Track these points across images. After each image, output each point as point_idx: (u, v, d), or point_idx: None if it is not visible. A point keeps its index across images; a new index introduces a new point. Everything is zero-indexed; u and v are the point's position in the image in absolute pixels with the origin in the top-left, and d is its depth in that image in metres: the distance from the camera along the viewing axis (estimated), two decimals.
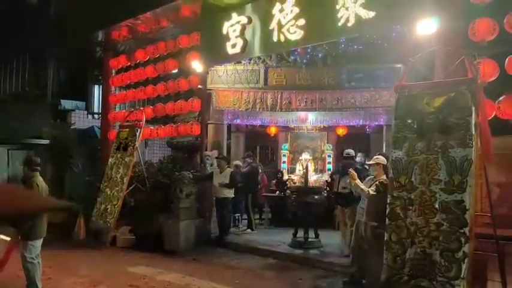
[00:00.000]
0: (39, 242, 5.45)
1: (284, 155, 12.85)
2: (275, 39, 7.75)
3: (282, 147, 13.02)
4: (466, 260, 4.29)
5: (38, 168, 5.54)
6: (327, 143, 13.00)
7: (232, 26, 8.44)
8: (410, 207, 4.76)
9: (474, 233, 4.44)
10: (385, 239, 4.88)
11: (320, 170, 12.41)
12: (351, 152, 8.20)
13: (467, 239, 4.32)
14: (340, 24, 6.72)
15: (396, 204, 4.88)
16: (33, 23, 13.92)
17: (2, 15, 14.55)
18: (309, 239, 8.16)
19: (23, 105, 14.06)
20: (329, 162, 12.57)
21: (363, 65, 9.61)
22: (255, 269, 7.06)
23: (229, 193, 8.94)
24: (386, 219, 4.92)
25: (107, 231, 8.97)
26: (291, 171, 12.39)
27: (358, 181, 5.94)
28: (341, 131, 12.79)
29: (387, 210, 4.93)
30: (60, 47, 13.28)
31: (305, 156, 12.16)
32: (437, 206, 4.56)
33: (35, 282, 5.39)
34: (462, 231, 4.36)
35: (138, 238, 8.88)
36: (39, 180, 5.46)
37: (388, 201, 4.95)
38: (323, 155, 12.97)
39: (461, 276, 4.29)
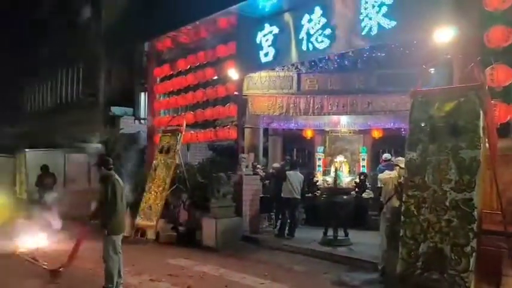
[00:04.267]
0: (120, 237, 5.84)
1: (319, 158, 13.16)
2: (304, 48, 8.24)
3: (317, 149, 13.34)
4: (474, 254, 4.59)
5: (113, 167, 5.97)
6: (363, 145, 13.19)
7: (264, 36, 9.00)
8: (424, 205, 5.08)
9: (483, 229, 4.73)
10: (401, 234, 5.23)
11: (355, 172, 12.60)
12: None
13: (475, 235, 4.62)
14: (364, 33, 7.15)
15: (410, 203, 5.20)
16: (87, 37, 15.14)
17: (59, 31, 15.92)
18: (339, 238, 8.53)
19: (78, 112, 15.32)
20: (363, 166, 12.74)
21: (392, 70, 9.81)
22: (284, 264, 7.54)
23: (299, 194, 9.52)
24: (402, 217, 5.26)
25: (151, 229, 9.76)
26: (327, 173, 12.68)
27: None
28: (376, 134, 12.93)
29: (402, 208, 5.28)
30: (111, 57, 14.37)
31: (340, 158, 12.44)
32: (448, 203, 4.87)
33: (112, 274, 5.65)
34: (470, 227, 4.65)
35: (179, 235, 9.61)
36: (118, 177, 5.89)
37: (404, 199, 5.30)
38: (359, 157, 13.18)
39: (470, 269, 4.58)
